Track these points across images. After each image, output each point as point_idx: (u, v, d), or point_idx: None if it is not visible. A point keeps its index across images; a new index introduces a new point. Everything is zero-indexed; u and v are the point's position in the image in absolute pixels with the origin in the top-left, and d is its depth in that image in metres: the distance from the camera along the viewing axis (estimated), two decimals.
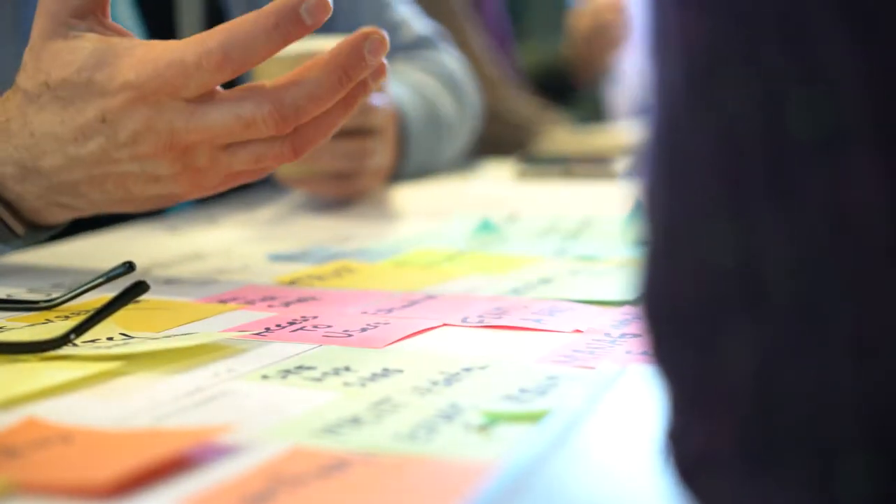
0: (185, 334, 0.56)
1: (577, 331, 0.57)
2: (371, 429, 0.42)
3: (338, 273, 0.74)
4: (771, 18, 0.27)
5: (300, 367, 0.51)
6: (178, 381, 0.49)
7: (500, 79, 1.78)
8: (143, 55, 0.64)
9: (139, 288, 0.55)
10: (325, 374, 0.50)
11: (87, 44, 0.65)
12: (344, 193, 1.04)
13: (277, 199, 1.09)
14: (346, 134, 0.99)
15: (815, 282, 0.26)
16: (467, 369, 0.50)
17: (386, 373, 0.50)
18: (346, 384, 0.48)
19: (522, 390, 0.47)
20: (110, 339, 0.54)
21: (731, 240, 0.27)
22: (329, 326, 0.58)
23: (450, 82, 1.30)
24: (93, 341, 0.54)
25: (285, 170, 1.00)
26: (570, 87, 2.34)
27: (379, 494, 0.36)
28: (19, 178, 0.68)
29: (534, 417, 0.43)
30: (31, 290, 0.68)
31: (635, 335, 0.56)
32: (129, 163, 0.66)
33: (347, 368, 0.50)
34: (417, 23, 1.34)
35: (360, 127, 1.00)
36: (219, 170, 0.67)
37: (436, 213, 1.00)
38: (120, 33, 0.67)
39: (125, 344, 0.53)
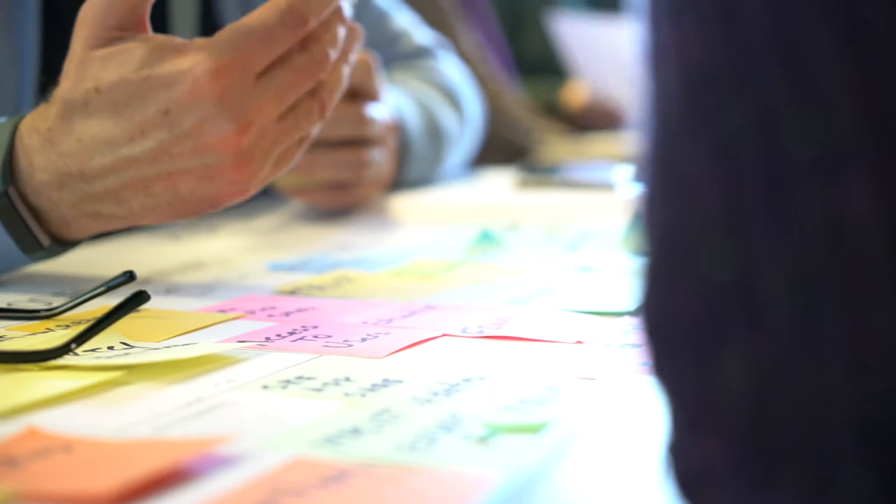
0: (186, 344, 0.56)
1: (578, 342, 0.57)
2: (371, 439, 0.42)
3: (337, 283, 0.74)
4: (766, 36, 0.27)
5: (300, 378, 0.51)
6: (178, 391, 0.49)
7: (491, 77, 1.79)
8: (205, 42, 0.66)
9: (140, 298, 0.55)
10: (325, 384, 0.50)
11: (140, 44, 0.66)
12: (342, 203, 1.04)
13: (277, 208, 1.09)
14: (345, 144, 1.00)
15: (811, 297, 0.26)
16: (467, 380, 0.50)
17: (386, 383, 0.50)
18: (347, 394, 0.48)
19: (522, 401, 0.47)
20: (111, 348, 0.54)
21: (728, 255, 0.27)
22: (329, 336, 0.58)
23: (450, 92, 1.30)
24: (93, 350, 0.54)
25: (284, 180, 1.00)
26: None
27: None
28: (56, 186, 0.68)
29: (534, 429, 0.43)
30: (32, 299, 0.68)
31: (636, 346, 0.56)
32: (189, 157, 0.66)
33: (348, 379, 0.50)
34: (418, 33, 1.34)
35: (358, 137, 1.00)
36: (271, 151, 0.69)
37: (435, 222, 1.00)
38: None
39: (126, 354, 0.53)
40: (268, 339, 0.58)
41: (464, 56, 1.61)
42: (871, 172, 0.26)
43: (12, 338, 0.58)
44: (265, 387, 0.49)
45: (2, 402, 0.46)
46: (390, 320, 0.62)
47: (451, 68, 1.34)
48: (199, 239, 0.93)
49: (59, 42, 0.94)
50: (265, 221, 1.02)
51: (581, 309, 0.64)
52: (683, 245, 0.28)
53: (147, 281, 0.74)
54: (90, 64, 0.66)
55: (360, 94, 0.99)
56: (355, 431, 0.43)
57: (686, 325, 0.28)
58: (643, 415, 0.45)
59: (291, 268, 0.80)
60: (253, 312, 0.65)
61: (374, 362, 0.53)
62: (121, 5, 0.67)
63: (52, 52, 0.93)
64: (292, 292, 0.71)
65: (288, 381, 0.50)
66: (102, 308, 0.64)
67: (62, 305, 0.63)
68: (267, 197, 1.09)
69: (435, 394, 0.48)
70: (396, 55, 1.29)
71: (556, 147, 1.80)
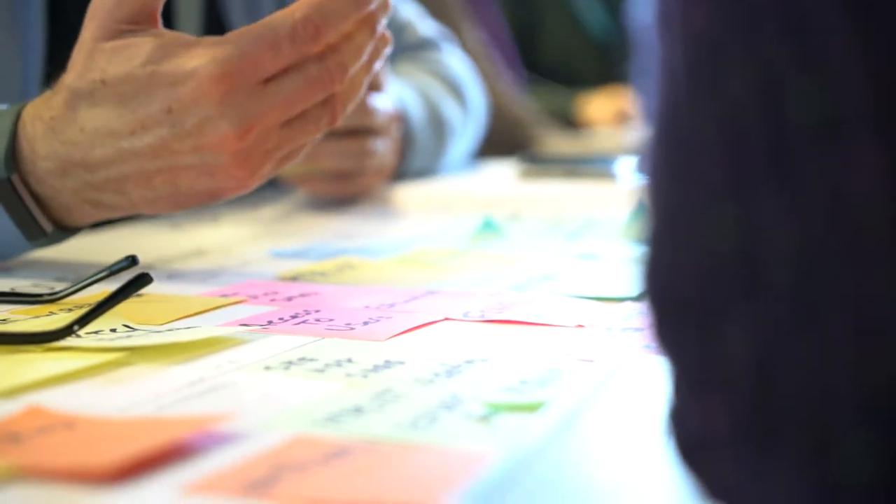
0: (188, 328, 0.56)
1: (579, 326, 0.57)
2: (372, 418, 0.42)
3: (340, 269, 0.74)
4: (771, 6, 0.27)
5: (302, 359, 0.51)
6: (180, 371, 0.49)
7: (494, 75, 1.79)
8: (213, 42, 0.65)
9: (142, 280, 0.55)
10: (327, 365, 0.50)
11: (149, 39, 0.66)
12: (345, 193, 1.05)
13: (280, 197, 1.09)
14: (348, 133, 1.00)
15: (814, 265, 0.26)
16: (469, 361, 0.50)
17: (388, 364, 0.50)
18: (349, 375, 0.48)
19: (523, 382, 0.47)
20: (113, 330, 0.55)
21: (732, 224, 0.27)
22: (331, 320, 0.58)
23: (454, 84, 1.30)
24: (96, 333, 0.54)
25: (288, 169, 1.00)
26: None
27: (380, 481, 0.36)
28: (59, 173, 0.68)
29: (533, 407, 0.43)
30: (35, 284, 0.68)
31: (637, 330, 0.56)
32: (189, 154, 0.66)
33: (349, 360, 0.50)
34: (423, 24, 1.34)
35: (362, 127, 1.01)
36: (273, 153, 0.69)
37: (438, 212, 1.00)
38: None
39: (128, 336, 0.53)
40: (270, 322, 0.58)
41: (467, 52, 1.61)
42: (875, 142, 0.26)
43: (15, 321, 0.58)
44: (267, 368, 0.50)
45: (5, 382, 0.46)
46: (392, 305, 0.62)
47: (456, 60, 1.34)
48: (202, 227, 0.93)
49: (63, 36, 0.94)
50: (268, 210, 1.03)
51: (583, 294, 0.64)
52: (687, 215, 0.28)
53: (149, 266, 0.74)
54: (98, 55, 0.66)
55: None
56: (357, 410, 0.43)
57: (689, 294, 0.28)
58: (642, 395, 0.45)
59: (294, 255, 0.80)
60: (255, 297, 0.65)
61: (375, 345, 0.53)
62: None
63: (57, 46, 0.93)
64: (294, 278, 0.71)
65: (290, 363, 0.50)
66: (104, 292, 0.64)
67: (65, 289, 0.63)
68: (270, 186, 1.09)
69: (436, 374, 0.48)
70: (401, 46, 1.29)
71: (558, 141, 1.80)
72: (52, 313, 0.60)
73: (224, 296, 0.65)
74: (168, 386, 0.47)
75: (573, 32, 2.67)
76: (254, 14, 1.11)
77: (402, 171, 1.16)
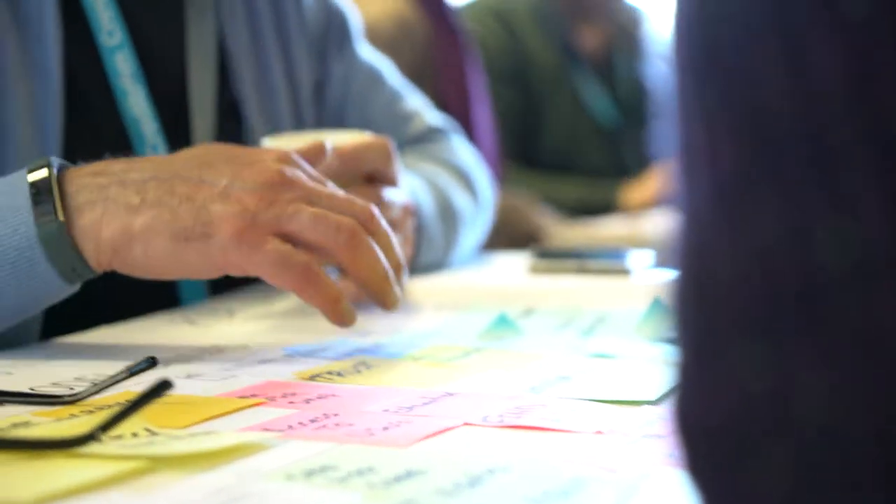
0: (209, 432, 0.56)
1: (598, 432, 0.57)
2: None
3: (356, 367, 0.74)
4: (796, 143, 0.28)
5: (324, 467, 0.51)
6: (204, 479, 0.49)
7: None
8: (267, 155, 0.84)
9: (164, 386, 0.56)
10: (349, 473, 0.50)
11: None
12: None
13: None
14: None
15: (845, 408, 0.26)
16: (490, 471, 0.50)
17: (409, 474, 0.50)
18: (370, 486, 0.48)
19: (546, 493, 0.47)
20: (135, 435, 0.55)
21: (761, 364, 0.27)
22: (351, 425, 0.59)
23: (462, 174, 1.31)
24: (118, 437, 0.54)
25: None
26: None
27: None
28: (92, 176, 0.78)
29: None
30: (55, 384, 0.69)
31: (656, 437, 0.56)
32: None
33: (370, 468, 0.51)
34: (429, 114, 1.35)
35: None
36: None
37: (450, 307, 1.01)
38: None
39: (150, 444, 0.54)
40: (290, 426, 0.58)
41: None
42: None
43: (38, 423, 0.58)
44: (289, 476, 0.50)
45: (31, 490, 0.46)
46: (411, 408, 0.63)
47: (463, 150, 1.36)
48: (217, 322, 0.94)
49: (79, 121, 0.96)
50: (281, 303, 1.03)
51: (599, 398, 0.64)
52: (715, 350, 0.29)
53: (167, 365, 0.74)
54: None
55: (377, 178, 1.00)
56: None
57: (719, 430, 0.28)
58: None
59: (310, 353, 0.80)
60: (273, 399, 0.65)
61: (396, 451, 0.54)
62: None
63: (73, 132, 0.95)
64: (312, 378, 0.71)
65: (312, 471, 0.50)
66: (125, 393, 0.65)
67: (85, 391, 0.64)
68: None
69: (458, 485, 0.48)
70: (409, 135, 1.30)
71: (566, 232, 1.81)
72: (73, 416, 0.60)
73: (243, 397, 0.66)
74: (191, 496, 0.47)
75: (578, 119, 2.70)
76: (265, 91, 1.13)
77: (415, 263, 1.16)
